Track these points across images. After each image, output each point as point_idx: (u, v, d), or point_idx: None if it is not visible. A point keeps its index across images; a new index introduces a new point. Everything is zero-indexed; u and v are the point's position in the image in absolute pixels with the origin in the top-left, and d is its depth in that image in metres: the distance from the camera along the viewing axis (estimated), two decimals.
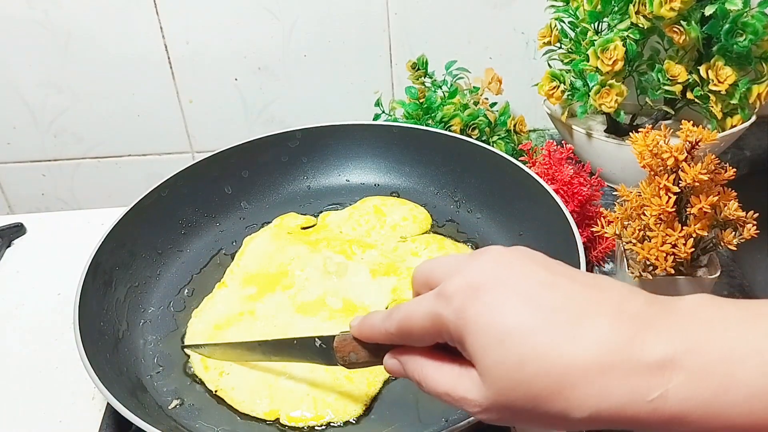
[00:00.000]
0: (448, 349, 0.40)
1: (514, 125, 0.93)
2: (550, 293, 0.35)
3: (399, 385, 0.63)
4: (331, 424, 0.60)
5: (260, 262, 0.77)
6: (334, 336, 0.48)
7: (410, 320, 0.40)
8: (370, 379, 0.63)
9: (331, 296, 0.72)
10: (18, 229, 0.92)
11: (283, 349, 0.58)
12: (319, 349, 0.51)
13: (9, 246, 0.91)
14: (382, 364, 0.45)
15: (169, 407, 0.63)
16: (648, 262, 0.64)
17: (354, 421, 0.60)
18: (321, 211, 0.86)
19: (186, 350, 0.68)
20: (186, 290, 0.76)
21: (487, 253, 0.39)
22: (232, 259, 0.79)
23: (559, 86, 0.86)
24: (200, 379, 0.65)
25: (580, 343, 0.33)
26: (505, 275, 0.37)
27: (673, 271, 0.63)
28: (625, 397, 0.33)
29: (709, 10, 0.77)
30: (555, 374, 0.33)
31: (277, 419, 0.61)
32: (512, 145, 0.92)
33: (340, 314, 0.70)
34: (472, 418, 0.52)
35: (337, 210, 0.85)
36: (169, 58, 1.04)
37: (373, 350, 0.46)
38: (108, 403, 0.62)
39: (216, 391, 0.63)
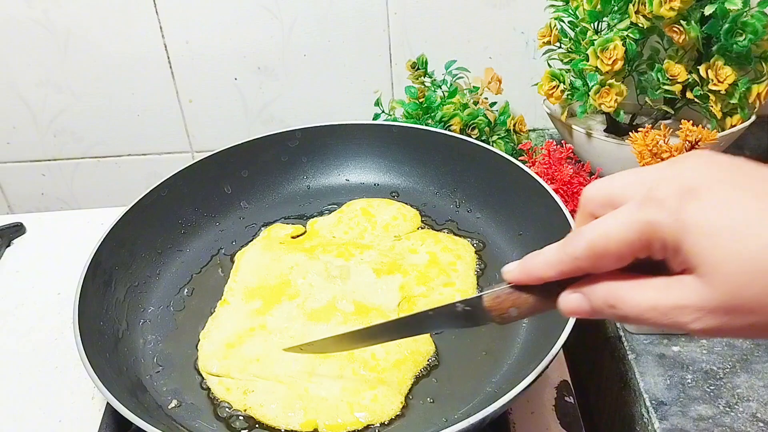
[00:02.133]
0: (640, 270, 0.37)
1: (514, 125, 0.93)
2: None
3: (433, 378, 0.64)
4: (371, 426, 0.60)
5: (258, 274, 0.76)
6: (480, 295, 0.44)
7: (608, 236, 0.36)
8: (401, 375, 0.63)
9: (341, 300, 0.71)
10: (18, 229, 0.92)
11: (415, 325, 0.53)
12: (461, 313, 0.46)
13: (9, 246, 0.91)
14: (550, 309, 0.41)
15: (169, 407, 0.63)
16: None
17: (393, 419, 0.60)
18: (320, 212, 0.86)
19: (208, 372, 0.65)
20: (186, 290, 0.76)
21: (692, 156, 0.37)
22: (231, 261, 0.79)
23: (558, 86, 0.86)
24: (223, 401, 0.63)
25: None
26: (722, 174, 0.35)
27: None
28: None
29: (708, 10, 0.77)
30: None
31: (315, 429, 0.59)
32: (512, 144, 0.93)
33: (353, 317, 0.69)
34: (471, 418, 0.52)
35: (324, 215, 0.85)
36: (168, 57, 1.04)
37: (540, 296, 0.42)
38: (108, 403, 0.61)
39: (245, 411, 0.62)
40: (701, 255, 0.33)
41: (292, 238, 0.82)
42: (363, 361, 0.64)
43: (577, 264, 0.38)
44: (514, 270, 0.42)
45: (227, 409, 0.62)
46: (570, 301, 0.39)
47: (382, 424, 0.60)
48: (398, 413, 0.61)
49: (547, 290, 0.41)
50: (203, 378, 0.65)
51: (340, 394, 0.62)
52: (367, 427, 0.60)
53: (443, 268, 0.75)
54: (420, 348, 0.66)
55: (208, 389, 0.64)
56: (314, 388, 0.62)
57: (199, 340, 0.69)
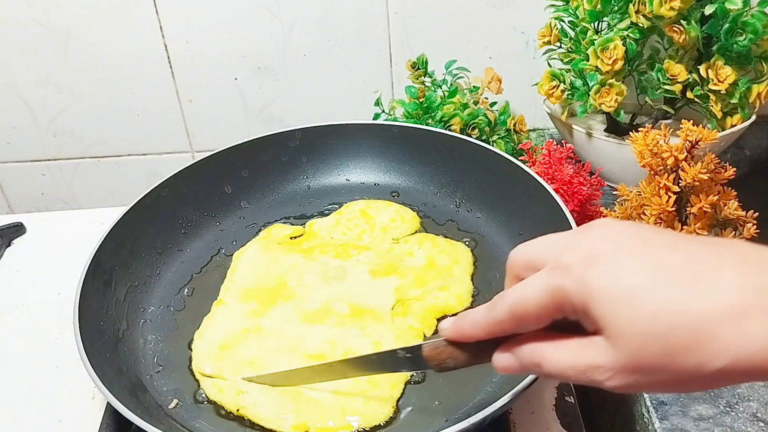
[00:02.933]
0: (560, 329, 0.39)
1: (514, 125, 0.93)
2: (672, 253, 0.36)
3: (422, 386, 0.63)
4: (361, 430, 0.60)
5: (256, 275, 0.75)
6: (420, 345, 0.47)
7: (525, 300, 0.39)
8: (392, 380, 0.63)
9: (336, 302, 0.71)
10: (18, 229, 0.92)
11: (359, 366, 0.56)
12: (402, 359, 0.50)
13: (9, 246, 0.91)
14: (485, 362, 0.44)
15: (169, 407, 0.63)
16: None
17: (383, 425, 0.60)
18: (321, 212, 0.86)
19: (201, 373, 0.65)
20: (186, 290, 0.76)
21: (597, 225, 0.39)
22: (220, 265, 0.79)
23: (558, 86, 0.86)
24: (215, 402, 0.63)
25: (712, 292, 0.34)
26: (622, 242, 0.37)
27: None
28: (764, 341, 0.32)
29: (709, 10, 0.77)
30: (690, 325, 0.33)
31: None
32: (512, 144, 0.93)
33: (348, 319, 0.69)
34: (471, 418, 0.52)
35: (324, 216, 0.85)
36: (168, 57, 1.04)
37: (474, 351, 0.44)
38: (108, 403, 0.62)
39: (238, 411, 0.61)
40: (606, 318, 0.35)
41: (291, 238, 0.82)
42: None
43: (501, 326, 0.41)
44: (448, 328, 0.45)
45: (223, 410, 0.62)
46: (502, 360, 0.42)
47: (375, 428, 0.60)
48: (387, 419, 0.60)
49: (480, 346, 0.44)
50: (196, 379, 0.65)
51: (332, 398, 0.61)
52: (358, 431, 0.60)
53: (440, 272, 0.74)
54: None
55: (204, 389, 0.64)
56: (308, 391, 0.62)
57: (193, 340, 0.69)
